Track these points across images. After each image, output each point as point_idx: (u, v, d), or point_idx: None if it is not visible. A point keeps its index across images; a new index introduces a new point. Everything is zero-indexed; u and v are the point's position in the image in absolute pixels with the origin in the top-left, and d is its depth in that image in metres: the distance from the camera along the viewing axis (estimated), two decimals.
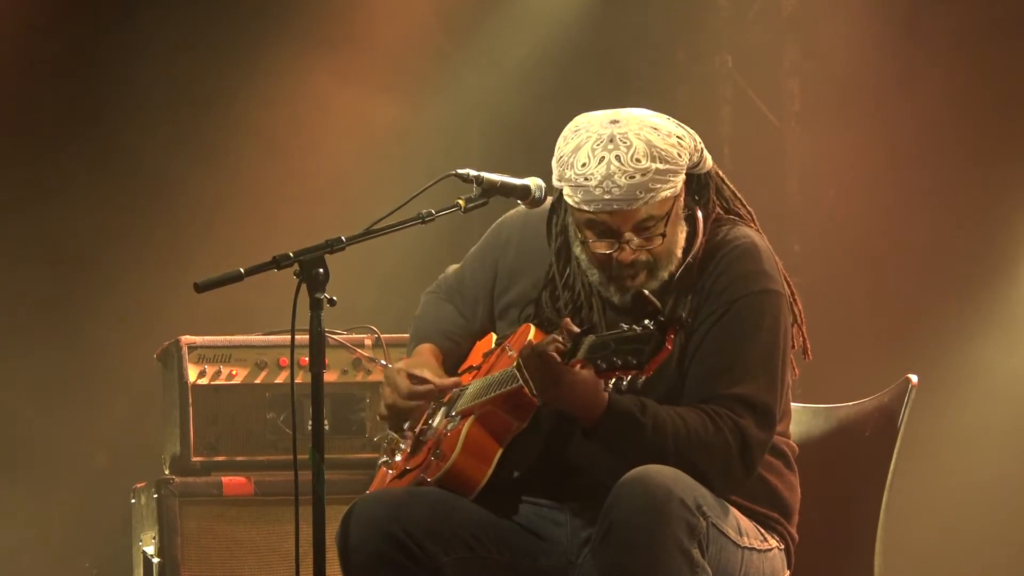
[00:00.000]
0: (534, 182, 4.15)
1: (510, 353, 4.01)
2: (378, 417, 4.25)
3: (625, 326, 3.64)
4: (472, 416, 3.99)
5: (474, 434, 3.98)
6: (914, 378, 4.24)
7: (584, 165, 3.91)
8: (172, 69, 7.46)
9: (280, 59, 7.51)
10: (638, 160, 3.91)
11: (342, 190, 7.43)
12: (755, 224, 4.10)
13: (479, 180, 4.09)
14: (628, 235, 3.93)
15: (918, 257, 7.15)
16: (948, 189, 7.12)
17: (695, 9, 7.53)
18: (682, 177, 3.96)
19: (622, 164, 3.90)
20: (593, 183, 3.89)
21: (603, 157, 3.89)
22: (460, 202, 4.07)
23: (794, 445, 4.11)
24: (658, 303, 3.65)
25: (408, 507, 3.94)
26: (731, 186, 4.12)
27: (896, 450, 4.19)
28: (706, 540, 3.78)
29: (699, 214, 4.03)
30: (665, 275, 3.97)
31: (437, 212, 4.04)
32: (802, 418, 4.31)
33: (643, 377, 3.66)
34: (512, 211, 4.28)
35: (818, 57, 7.39)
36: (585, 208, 3.91)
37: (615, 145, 3.90)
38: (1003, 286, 7.08)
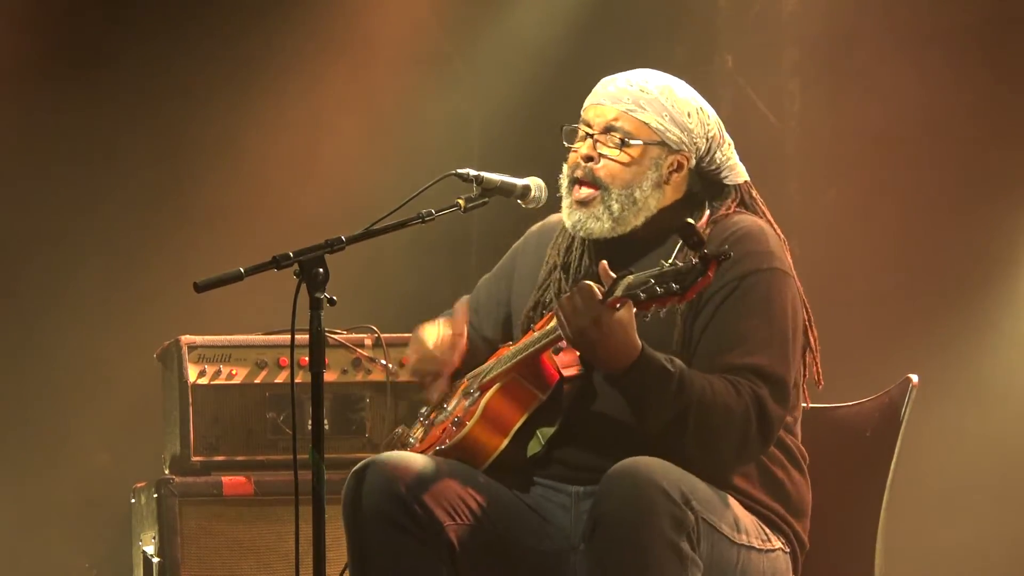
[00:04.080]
0: (534, 182, 4.16)
1: (538, 331, 4.00)
2: (410, 373, 4.28)
3: (666, 263, 3.67)
4: (495, 385, 3.99)
5: (495, 402, 3.98)
6: (914, 378, 4.24)
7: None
8: (170, 69, 7.46)
9: (280, 60, 7.51)
10: (646, 81, 4.06)
11: (342, 190, 7.43)
12: (779, 234, 4.11)
13: (479, 180, 4.10)
14: (595, 132, 4.03)
15: (918, 257, 7.14)
16: (949, 188, 7.12)
17: (695, 9, 7.53)
18: (678, 136, 4.01)
19: (629, 76, 4.07)
20: (597, 87, 4.07)
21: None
22: (460, 202, 4.08)
23: (803, 449, 4.09)
24: (703, 235, 3.66)
25: (415, 468, 3.94)
26: (764, 208, 4.14)
27: (896, 450, 4.19)
28: (696, 534, 3.76)
29: (707, 207, 4.05)
30: (616, 208, 4.01)
31: (437, 212, 4.05)
32: (802, 418, 4.30)
33: (682, 304, 3.67)
34: (529, 230, 4.33)
35: (818, 57, 7.39)
36: (581, 112, 4.06)
37: (637, 71, 4.08)
38: (1003, 286, 7.07)
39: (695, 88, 4.16)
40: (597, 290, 3.74)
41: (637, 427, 3.89)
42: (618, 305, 3.71)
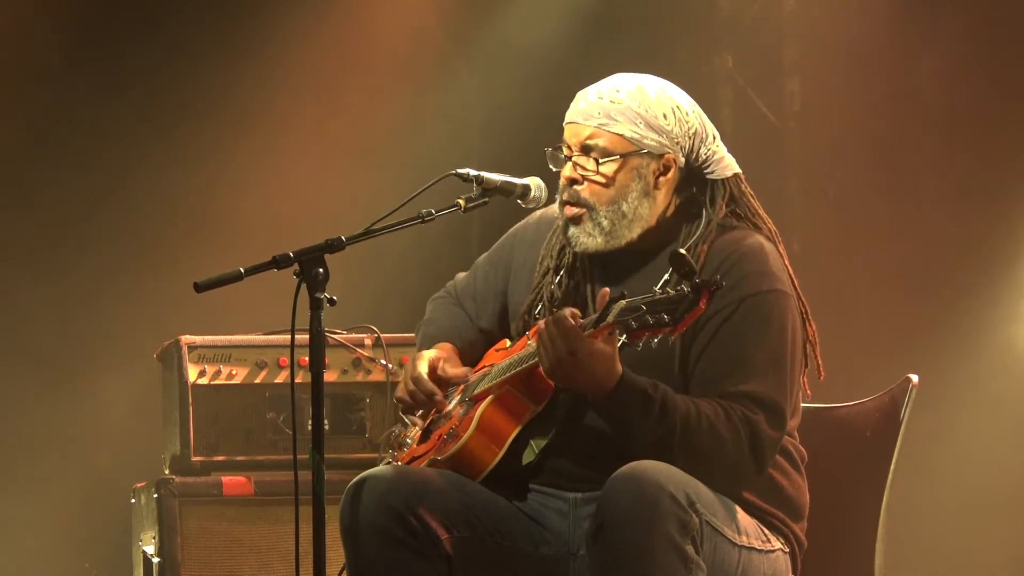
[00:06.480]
0: (534, 182, 4.16)
1: (530, 342, 3.99)
2: (394, 399, 4.23)
3: (658, 290, 3.65)
4: (489, 397, 3.98)
5: (489, 414, 3.96)
6: (914, 378, 4.23)
7: None
8: (169, 67, 7.46)
9: (280, 58, 7.50)
10: (617, 91, 4.00)
11: (342, 190, 7.42)
12: (774, 238, 4.08)
13: (479, 180, 4.10)
14: (574, 152, 4.00)
15: (919, 257, 7.14)
16: (949, 188, 7.12)
17: (695, 9, 7.53)
18: (657, 140, 3.97)
19: (600, 87, 4.03)
20: (572, 102, 4.03)
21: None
22: (460, 202, 4.08)
23: (802, 449, 4.08)
24: (694, 264, 3.65)
25: (411, 482, 3.92)
26: (755, 203, 4.09)
27: (896, 450, 4.19)
28: (700, 536, 3.75)
29: (704, 214, 4.04)
30: (606, 224, 3.99)
31: (437, 212, 4.05)
32: (802, 418, 4.30)
33: (674, 335, 3.65)
34: (529, 215, 4.30)
35: (818, 57, 7.38)
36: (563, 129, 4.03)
37: (609, 79, 4.03)
38: (1004, 285, 7.07)
39: (696, 88, 4.12)
40: (573, 320, 3.72)
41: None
42: (608, 332, 3.70)
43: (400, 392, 4.16)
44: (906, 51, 7.16)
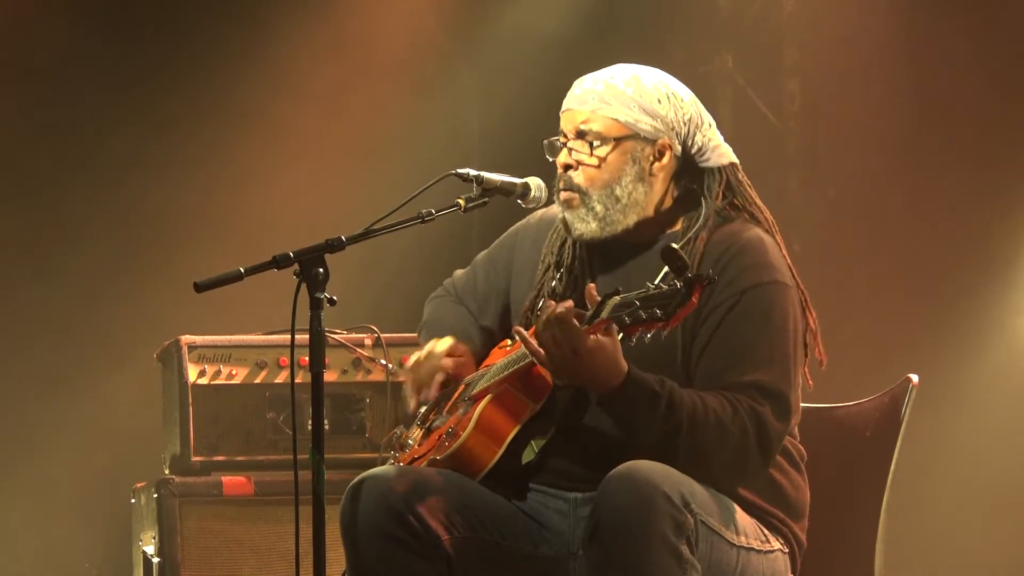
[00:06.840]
0: (534, 182, 4.16)
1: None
2: (401, 376, 4.22)
3: (651, 285, 3.65)
4: (488, 396, 3.98)
5: (488, 413, 3.97)
6: (914, 378, 4.23)
7: None
8: (169, 67, 7.46)
9: (280, 59, 7.51)
10: (612, 77, 4.02)
11: (342, 190, 7.42)
12: (771, 229, 4.08)
13: (479, 180, 4.10)
14: (570, 139, 4.01)
15: (919, 257, 7.14)
16: (948, 188, 7.13)
17: (695, 9, 7.53)
18: (651, 124, 3.97)
19: (595, 74, 4.04)
20: (568, 91, 4.04)
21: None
22: (460, 202, 4.08)
23: (802, 448, 4.07)
24: (687, 259, 3.65)
25: (410, 482, 3.93)
26: (751, 192, 4.09)
27: (896, 450, 4.19)
28: (695, 536, 3.75)
29: (703, 203, 4.03)
30: (599, 209, 3.99)
31: (437, 212, 4.05)
32: (802, 418, 4.30)
33: (667, 330, 3.64)
34: (530, 215, 4.30)
35: (818, 57, 7.39)
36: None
37: (606, 68, 4.04)
38: (1004, 285, 7.08)
39: (696, 88, 4.12)
40: (573, 318, 3.71)
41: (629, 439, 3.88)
42: (604, 327, 3.70)
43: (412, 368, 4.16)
44: (906, 51, 7.16)
